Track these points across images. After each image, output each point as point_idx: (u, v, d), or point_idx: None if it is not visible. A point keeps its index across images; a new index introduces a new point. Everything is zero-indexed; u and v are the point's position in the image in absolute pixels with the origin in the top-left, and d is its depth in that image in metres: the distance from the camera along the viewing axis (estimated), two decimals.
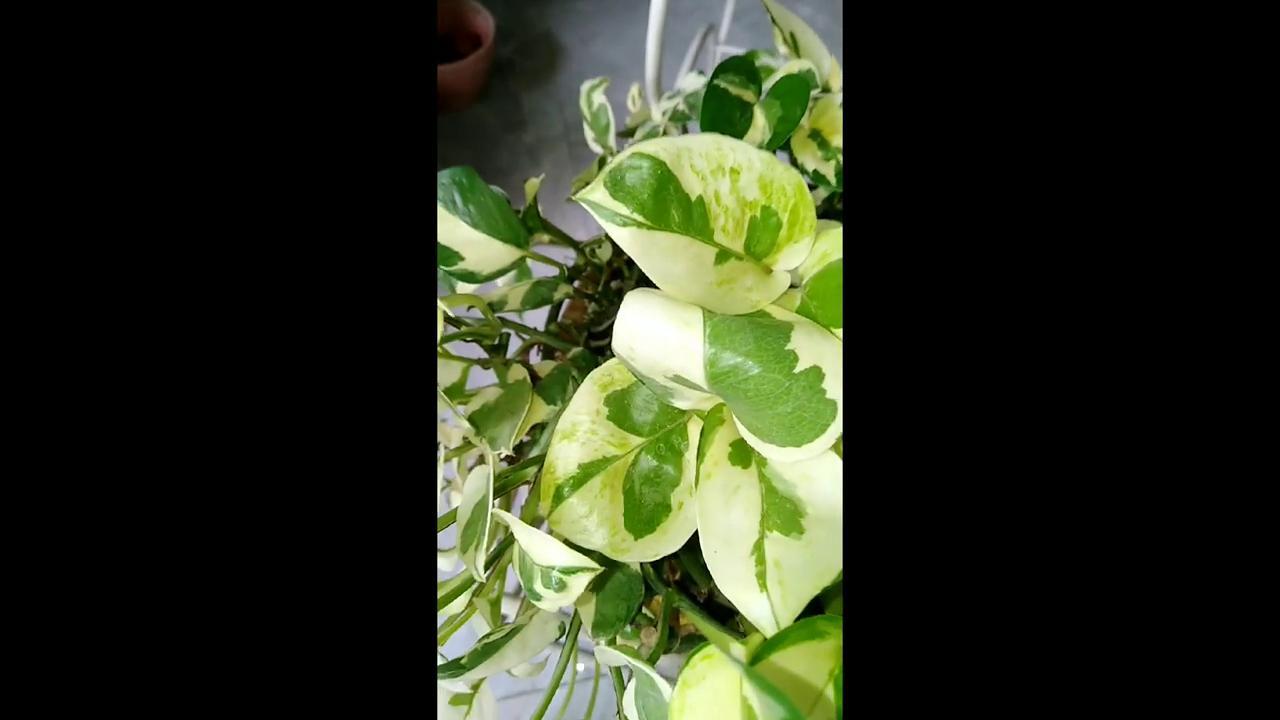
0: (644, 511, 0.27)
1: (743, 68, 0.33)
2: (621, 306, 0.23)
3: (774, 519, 0.24)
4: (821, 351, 0.23)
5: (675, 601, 0.30)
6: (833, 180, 0.31)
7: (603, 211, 0.23)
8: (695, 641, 0.32)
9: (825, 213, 0.48)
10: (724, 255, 0.27)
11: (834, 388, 0.23)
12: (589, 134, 0.51)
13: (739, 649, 0.17)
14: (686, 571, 0.33)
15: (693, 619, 0.31)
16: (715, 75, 0.32)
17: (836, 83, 0.56)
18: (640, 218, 0.23)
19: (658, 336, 0.23)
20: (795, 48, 0.47)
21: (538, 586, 0.24)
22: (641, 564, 0.31)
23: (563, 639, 0.30)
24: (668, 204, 0.24)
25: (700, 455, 0.25)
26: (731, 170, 0.25)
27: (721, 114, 0.31)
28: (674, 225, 0.24)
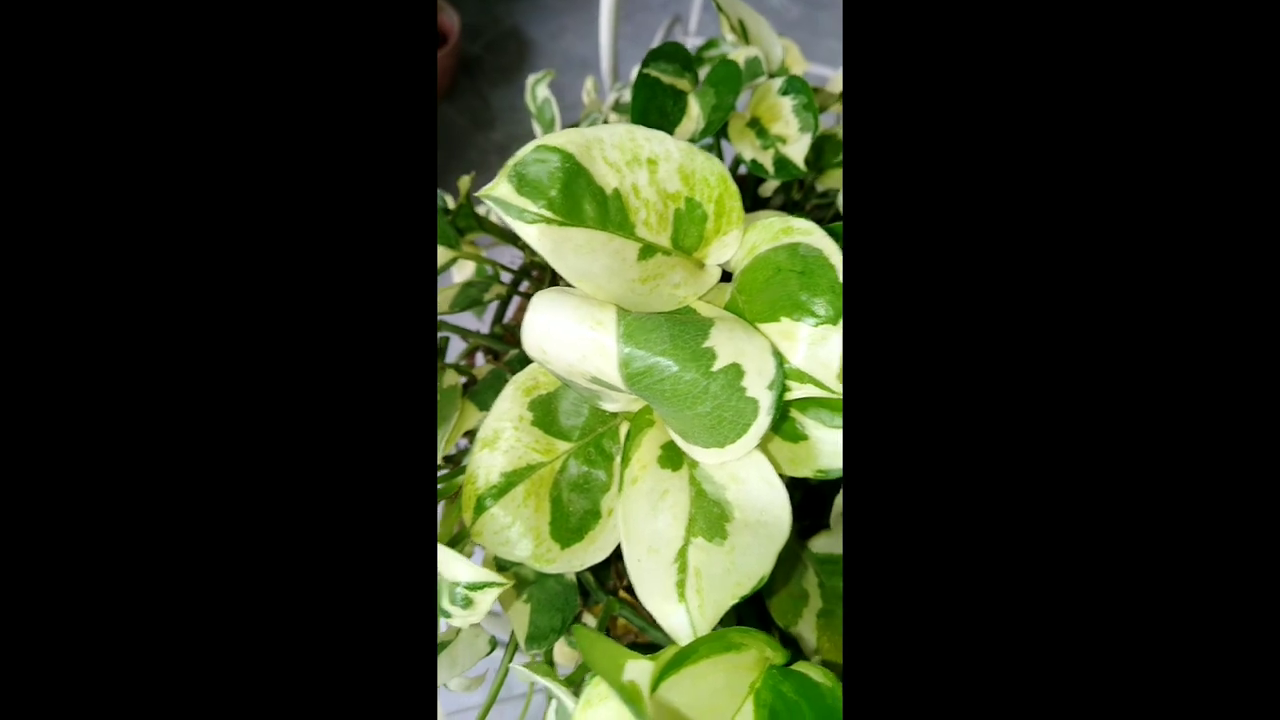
0: (572, 520, 0.26)
1: (676, 56, 0.32)
2: (529, 308, 0.22)
3: (700, 524, 0.23)
4: (741, 348, 0.22)
5: (615, 610, 0.29)
6: (770, 169, 0.30)
7: (509, 208, 0.22)
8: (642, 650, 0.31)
9: (783, 206, 0.47)
10: (649, 250, 0.25)
11: (756, 386, 0.22)
12: (537, 129, 0.50)
13: (641, 667, 0.16)
14: None
15: (639, 627, 0.30)
16: (646, 64, 0.31)
17: (799, 68, 0.55)
18: (549, 213, 0.22)
19: (570, 338, 0.22)
20: (744, 35, 0.46)
21: (445, 604, 0.23)
22: (584, 571, 0.30)
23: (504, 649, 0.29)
24: (580, 198, 0.23)
25: (625, 460, 0.24)
26: (649, 161, 0.24)
27: (653, 103, 0.30)
28: (588, 220, 0.23)
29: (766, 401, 0.22)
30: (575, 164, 0.22)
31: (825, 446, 0.25)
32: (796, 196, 0.46)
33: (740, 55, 0.46)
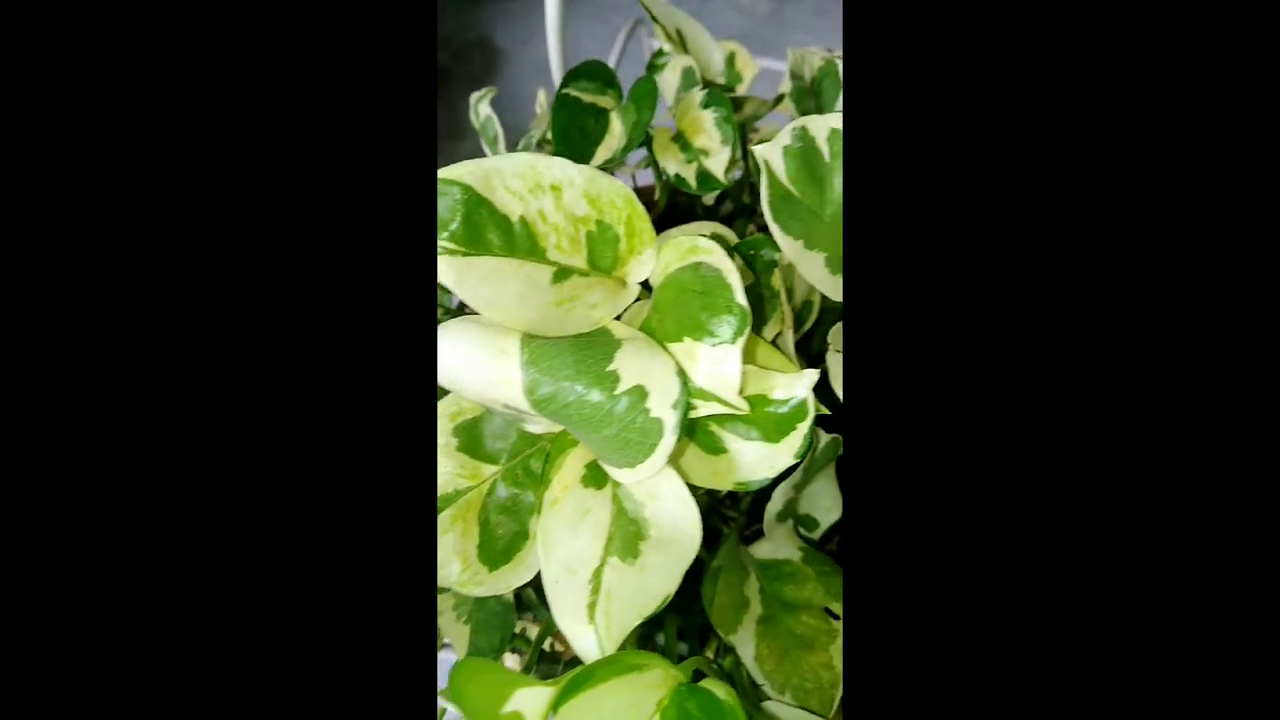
0: (499, 543, 0.26)
1: (597, 73, 0.32)
2: (439, 339, 0.22)
3: (617, 543, 0.23)
4: (646, 370, 0.22)
5: (554, 627, 0.30)
6: (693, 184, 0.31)
7: None
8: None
9: (731, 214, 0.47)
10: (564, 273, 0.26)
11: (661, 406, 0.22)
12: (485, 148, 0.50)
13: (533, 694, 0.16)
14: None
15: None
16: (566, 83, 0.31)
17: (749, 70, 0.55)
18: (453, 245, 0.22)
19: (477, 367, 0.22)
20: (682, 43, 0.46)
21: None
22: (526, 587, 0.30)
23: None
24: (482, 228, 0.23)
25: (545, 481, 0.25)
26: (552, 187, 0.24)
27: (574, 123, 0.31)
28: (494, 249, 0.23)
29: (671, 421, 0.22)
30: (475, 195, 0.22)
31: (744, 459, 0.25)
32: (747, 200, 0.47)
33: (678, 65, 0.46)
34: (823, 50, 0.45)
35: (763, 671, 0.29)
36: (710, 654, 0.31)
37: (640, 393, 0.22)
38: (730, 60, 0.59)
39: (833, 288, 0.26)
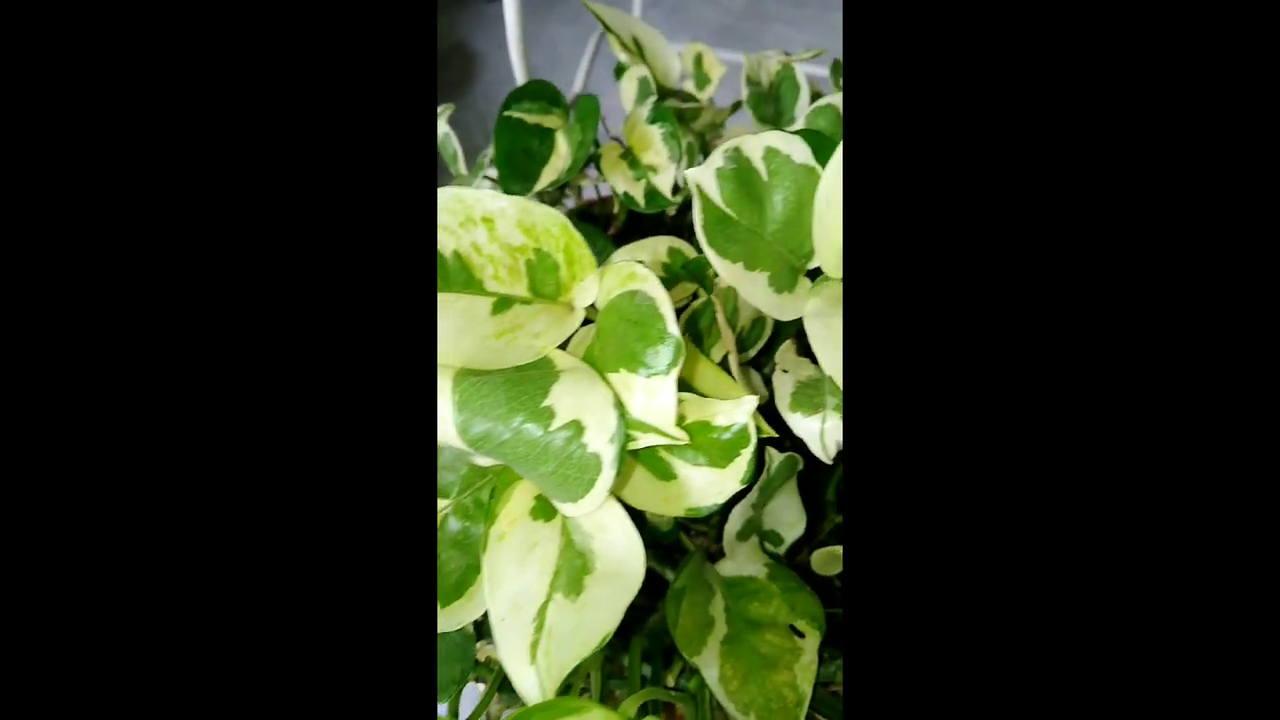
0: (451, 578, 0.26)
1: (541, 93, 0.31)
2: None
3: (563, 577, 0.23)
4: (583, 403, 0.22)
5: None
6: (641, 202, 0.30)
7: None
8: None
9: (682, 229, 0.47)
10: (504, 303, 0.25)
11: (598, 440, 0.22)
12: (446, 163, 0.49)
13: None
14: None
15: None
16: (508, 105, 0.31)
17: (717, 71, 0.54)
18: None
19: None
20: (640, 52, 0.46)
21: None
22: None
23: None
24: None
25: (490, 515, 0.24)
26: (484, 219, 0.24)
27: (517, 145, 0.30)
28: None
29: (609, 455, 0.22)
30: None
31: (693, 485, 0.25)
32: (688, 222, 0.46)
33: (634, 75, 0.46)
34: (779, 53, 0.45)
35: (727, 692, 0.29)
36: (675, 675, 0.31)
37: (577, 427, 0.22)
38: (698, 61, 0.58)
39: (776, 307, 0.25)
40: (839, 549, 0.29)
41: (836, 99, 0.34)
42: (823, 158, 0.24)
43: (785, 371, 0.26)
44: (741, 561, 0.32)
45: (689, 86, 0.53)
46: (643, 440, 0.22)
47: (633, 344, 0.22)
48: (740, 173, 0.24)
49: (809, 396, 0.25)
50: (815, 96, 0.45)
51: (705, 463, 0.25)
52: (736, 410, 0.22)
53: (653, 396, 0.21)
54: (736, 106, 0.43)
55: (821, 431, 0.23)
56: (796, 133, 0.24)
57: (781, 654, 0.29)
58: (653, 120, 0.31)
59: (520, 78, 0.70)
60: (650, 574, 0.34)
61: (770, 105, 0.42)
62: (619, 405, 0.22)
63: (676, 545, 0.36)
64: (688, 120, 0.41)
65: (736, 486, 0.24)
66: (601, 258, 0.38)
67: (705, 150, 0.47)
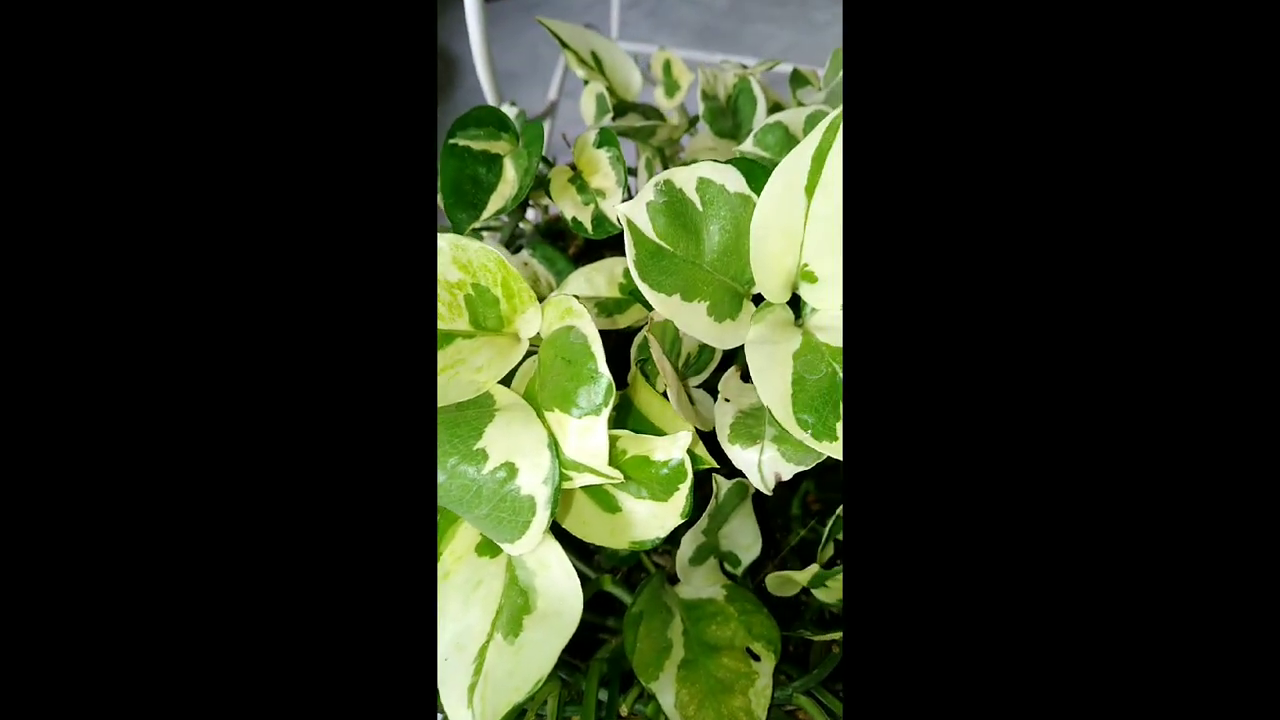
0: None
1: (487, 119, 0.31)
2: None
3: (504, 617, 0.23)
4: (517, 445, 0.22)
5: None
6: (589, 227, 0.30)
7: None
8: None
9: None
10: (446, 338, 0.25)
11: (531, 482, 0.22)
12: None
13: None
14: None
15: None
16: (453, 132, 0.31)
17: (686, 80, 0.54)
18: None
19: None
20: (599, 67, 0.45)
21: None
22: None
23: None
24: None
25: (436, 552, 0.24)
26: None
27: (464, 174, 0.30)
28: None
29: (543, 497, 0.22)
30: None
31: (637, 518, 0.25)
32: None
33: (592, 91, 0.46)
34: (736, 66, 0.44)
35: (683, 718, 0.29)
36: (631, 701, 0.31)
37: (510, 469, 0.22)
38: (666, 69, 0.58)
39: (717, 336, 0.25)
40: (793, 574, 0.29)
41: (788, 116, 0.34)
42: (757, 186, 0.24)
43: (727, 401, 0.26)
44: (700, 584, 0.32)
45: (659, 95, 0.53)
46: (578, 480, 0.22)
47: (565, 383, 0.22)
48: (673, 205, 0.23)
49: (748, 427, 0.24)
50: (776, 107, 0.45)
51: (647, 496, 0.25)
52: (672, 446, 0.22)
53: (585, 437, 0.21)
54: (694, 122, 0.43)
55: (759, 463, 0.23)
56: (729, 161, 0.24)
57: (737, 678, 0.29)
58: (600, 144, 0.31)
59: (486, 88, 0.69)
60: (611, 597, 0.34)
61: (728, 119, 0.42)
62: (553, 445, 0.22)
63: (638, 567, 0.36)
64: (644, 136, 0.41)
65: (678, 520, 0.24)
66: (561, 278, 0.38)
67: (666, 164, 0.47)
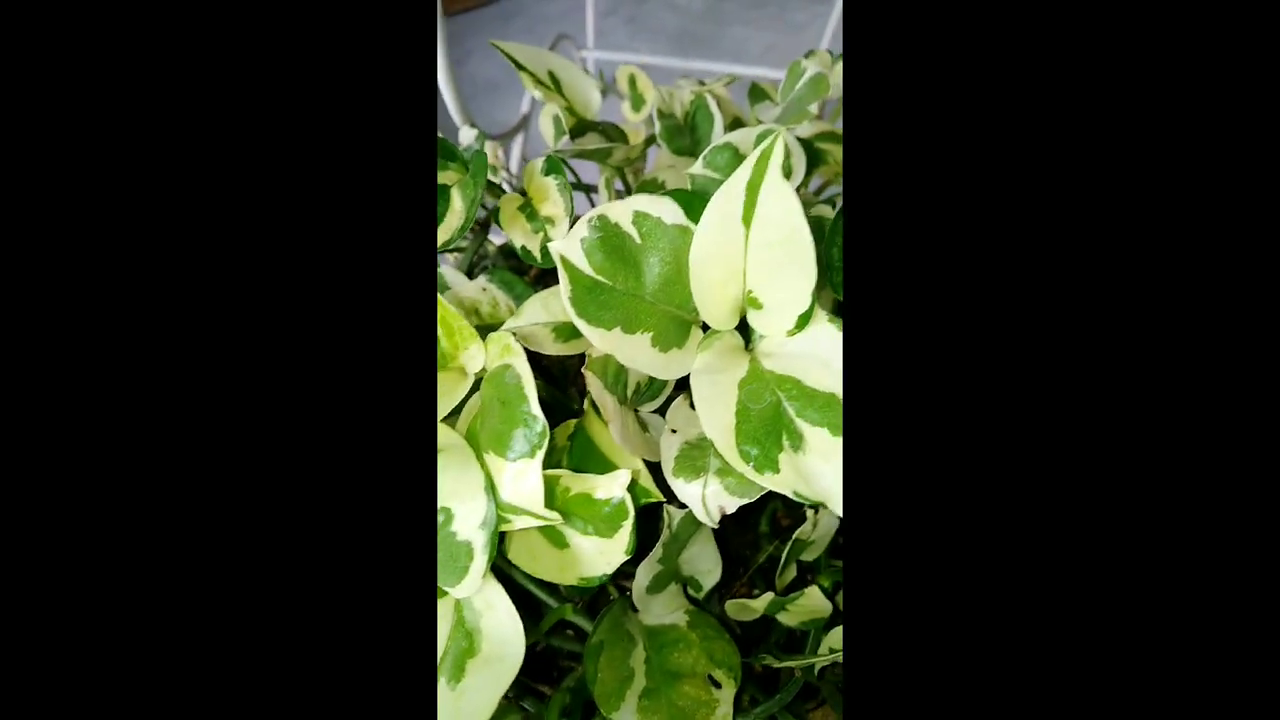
0: None
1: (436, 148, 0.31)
2: None
3: (449, 660, 0.23)
4: (453, 489, 0.22)
5: None
6: (538, 256, 0.30)
7: None
8: None
9: None
10: None
11: (467, 527, 0.21)
12: None
13: None
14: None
15: None
16: None
17: (650, 93, 0.54)
18: None
19: None
20: (556, 87, 0.45)
21: None
22: None
23: None
24: None
25: None
26: None
27: None
28: None
29: (480, 541, 0.21)
30: None
31: (584, 554, 0.25)
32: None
33: (549, 113, 0.45)
34: (692, 82, 0.44)
35: None
36: None
37: (447, 514, 0.21)
38: (632, 83, 0.58)
39: (662, 367, 0.25)
40: (749, 602, 0.29)
41: (737, 136, 0.34)
42: (695, 216, 0.24)
43: (674, 432, 0.25)
44: (662, 610, 0.32)
45: (625, 108, 0.53)
46: (517, 522, 0.22)
47: (501, 425, 0.22)
48: (609, 239, 0.23)
49: (693, 459, 0.24)
50: (736, 123, 0.45)
51: (594, 532, 0.24)
52: (612, 485, 0.22)
53: (519, 480, 0.21)
54: (650, 141, 0.43)
55: (703, 497, 0.23)
56: (667, 193, 0.24)
57: (698, 707, 0.29)
58: (547, 172, 0.31)
59: (451, 107, 0.69)
60: (576, 625, 0.34)
61: (686, 136, 0.42)
62: (490, 489, 0.22)
63: (603, 592, 0.36)
64: (602, 157, 0.40)
65: (623, 556, 0.24)
66: (520, 302, 0.38)
67: (627, 183, 0.46)
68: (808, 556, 0.33)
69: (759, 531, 0.41)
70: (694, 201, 0.24)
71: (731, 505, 0.23)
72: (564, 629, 0.34)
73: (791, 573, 0.32)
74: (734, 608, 0.30)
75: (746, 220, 0.23)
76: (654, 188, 0.42)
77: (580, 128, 0.44)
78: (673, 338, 0.26)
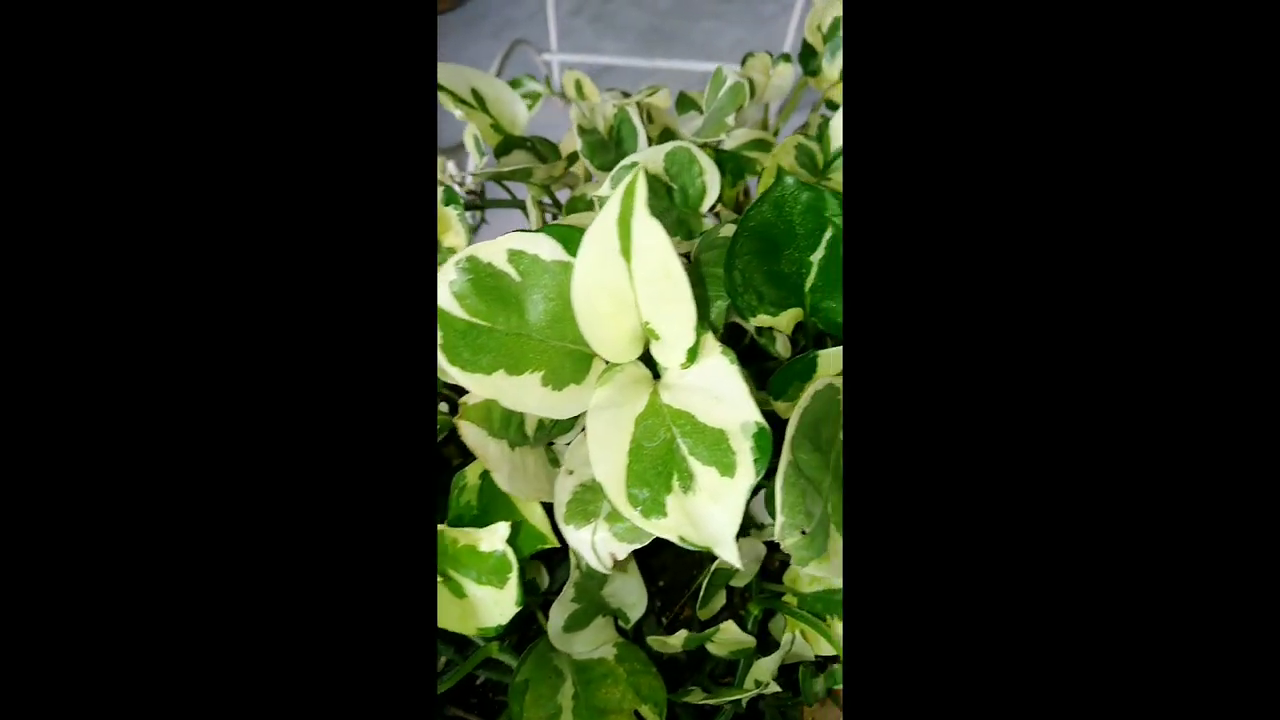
0: None
1: None
2: None
3: None
4: None
5: None
6: None
7: None
8: None
9: None
10: None
11: None
12: None
13: None
14: None
15: None
16: None
17: (597, 98, 0.53)
18: None
19: None
20: (480, 104, 0.44)
21: None
22: None
23: None
24: None
25: None
26: None
27: None
28: None
29: None
30: None
31: (481, 605, 0.24)
32: None
33: (470, 132, 0.44)
34: (616, 95, 0.43)
35: None
36: None
37: None
38: (579, 89, 0.57)
39: (554, 406, 0.24)
40: (667, 639, 0.28)
41: (643, 155, 0.33)
42: (575, 251, 0.23)
43: (570, 473, 0.25)
44: (589, 644, 0.31)
45: (574, 114, 0.52)
46: None
47: None
48: (482, 280, 0.22)
49: (585, 503, 0.23)
50: (665, 134, 0.44)
51: (488, 583, 0.24)
52: (493, 538, 0.21)
53: None
54: (573, 160, 0.42)
55: (593, 544, 0.22)
56: (542, 229, 0.23)
57: None
58: (446, 202, 0.30)
59: None
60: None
61: (610, 151, 0.41)
62: None
63: (532, 625, 0.36)
64: (523, 177, 0.40)
65: (515, 607, 0.23)
66: None
67: (557, 201, 0.45)
68: (738, 582, 0.33)
69: (701, 554, 0.40)
70: (573, 236, 0.23)
71: (622, 552, 0.22)
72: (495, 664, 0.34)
73: (719, 601, 0.32)
74: (655, 643, 0.29)
75: (626, 254, 0.22)
76: (583, 205, 0.41)
77: (506, 145, 0.43)
78: (568, 374, 0.25)
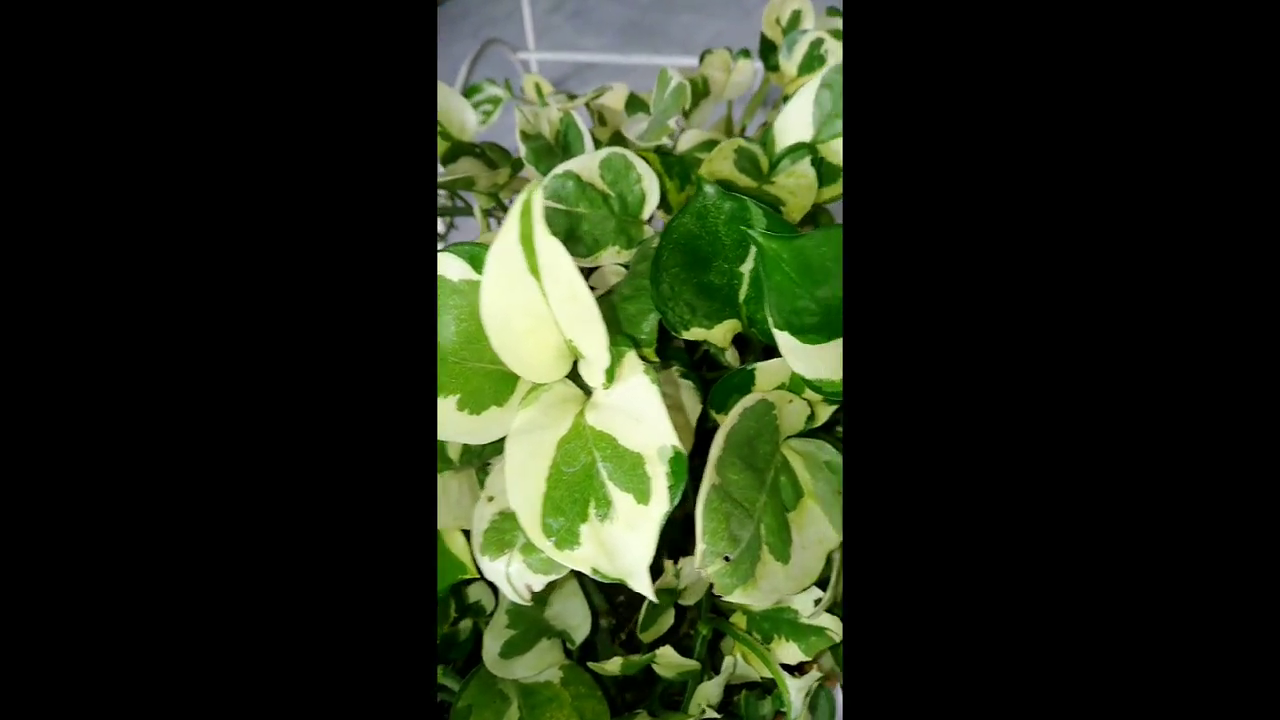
0: None
1: None
2: None
3: None
4: None
5: None
6: None
7: None
8: None
9: None
10: None
11: None
12: None
13: None
14: None
15: None
16: None
17: (558, 102, 0.52)
18: None
19: None
20: None
21: None
22: None
23: None
24: None
25: None
26: None
27: None
28: None
29: None
30: None
31: None
32: None
33: None
34: (563, 98, 0.42)
35: None
36: None
37: None
38: (539, 91, 0.56)
39: (471, 431, 0.23)
40: (605, 664, 0.27)
41: (578, 163, 0.32)
42: (483, 269, 0.22)
43: (490, 499, 0.24)
44: (534, 667, 0.30)
45: (536, 118, 0.51)
46: None
47: None
48: None
49: (503, 532, 0.23)
50: (616, 138, 0.43)
51: None
52: None
53: None
54: (519, 166, 0.41)
55: (507, 575, 0.21)
56: (447, 249, 0.22)
57: None
58: None
59: None
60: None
61: (557, 157, 0.40)
62: None
63: (479, 639, 0.35)
64: (467, 185, 0.39)
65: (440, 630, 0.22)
66: None
67: (505, 208, 0.44)
68: (687, 601, 0.32)
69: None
70: (481, 255, 0.22)
71: (538, 584, 0.21)
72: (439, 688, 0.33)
73: (667, 621, 0.31)
74: (596, 667, 0.28)
75: (534, 271, 0.21)
76: None
77: (454, 152, 0.42)
78: (489, 396, 0.24)
